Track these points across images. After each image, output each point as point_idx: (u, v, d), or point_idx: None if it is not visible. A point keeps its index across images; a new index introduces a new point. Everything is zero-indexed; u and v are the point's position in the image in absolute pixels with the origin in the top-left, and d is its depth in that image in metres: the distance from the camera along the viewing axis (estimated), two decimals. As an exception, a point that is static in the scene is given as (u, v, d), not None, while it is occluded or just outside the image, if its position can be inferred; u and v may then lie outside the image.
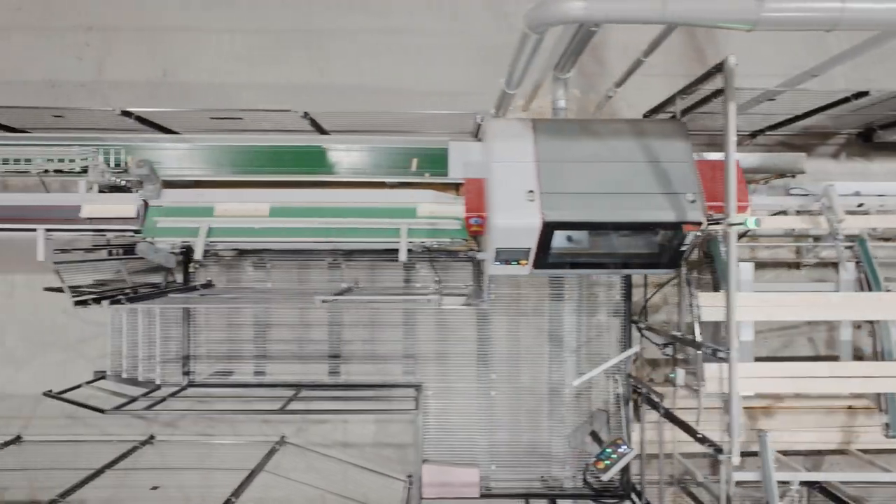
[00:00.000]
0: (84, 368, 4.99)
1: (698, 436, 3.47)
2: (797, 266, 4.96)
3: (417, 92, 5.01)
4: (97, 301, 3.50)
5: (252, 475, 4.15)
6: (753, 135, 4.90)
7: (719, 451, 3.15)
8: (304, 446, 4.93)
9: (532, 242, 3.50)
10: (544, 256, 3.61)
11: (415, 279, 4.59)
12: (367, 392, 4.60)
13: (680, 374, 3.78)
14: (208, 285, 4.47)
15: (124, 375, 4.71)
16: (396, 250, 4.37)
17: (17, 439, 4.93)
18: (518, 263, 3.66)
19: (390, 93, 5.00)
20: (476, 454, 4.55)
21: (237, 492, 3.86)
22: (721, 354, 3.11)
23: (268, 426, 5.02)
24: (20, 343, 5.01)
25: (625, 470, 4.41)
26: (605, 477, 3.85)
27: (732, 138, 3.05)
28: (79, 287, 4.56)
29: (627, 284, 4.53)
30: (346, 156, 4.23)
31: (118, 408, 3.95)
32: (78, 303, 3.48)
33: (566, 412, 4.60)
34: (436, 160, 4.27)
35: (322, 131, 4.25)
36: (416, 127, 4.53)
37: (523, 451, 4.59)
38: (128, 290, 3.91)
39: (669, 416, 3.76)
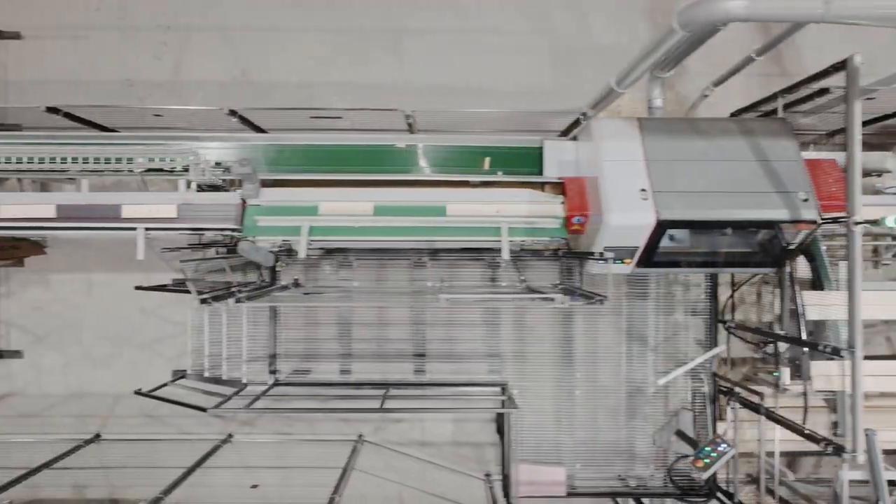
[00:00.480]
0: (161, 367, 5.01)
1: (807, 433, 3.47)
2: (875, 264, 4.95)
3: (496, 91, 5.01)
4: (219, 299, 3.48)
5: (345, 474, 4.17)
6: (831, 134, 4.90)
7: (840, 450, 3.15)
8: (382, 445, 4.95)
9: (641, 241, 3.51)
10: (650, 255, 3.61)
11: (499, 278, 4.60)
12: (448, 391, 4.60)
13: (785, 374, 3.78)
14: (297, 284, 4.48)
15: (206, 374, 4.72)
16: (483, 249, 4.42)
17: (96, 438, 4.95)
18: (623, 262, 3.67)
19: (468, 92, 5.01)
20: (561, 453, 4.56)
21: (338, 489, 3.87)
22: (843, 353, 3.11)
23: (346, 425, 5.03)
24: (97, 342, 5.02)
25: (709, 469, 4.41)
26: (705, 475, 3.84)
27: (858, 137, 3.04)
28: (164, 286, 4.60)
29: (713, 283, 4.54)
30: (434, 155, 4.26)
31: (217, 406, 3.95)
32: (203, 301, 3.47)
33: (649, 411, 4.60)
34: (525, 159, 4.31)
35: (412, 130, 4.26)
36: (493, 126, 4.55)
37: (607, 449, 4.59)
38: (233, 289, 3.91)
39: (771, 416, 3.76)
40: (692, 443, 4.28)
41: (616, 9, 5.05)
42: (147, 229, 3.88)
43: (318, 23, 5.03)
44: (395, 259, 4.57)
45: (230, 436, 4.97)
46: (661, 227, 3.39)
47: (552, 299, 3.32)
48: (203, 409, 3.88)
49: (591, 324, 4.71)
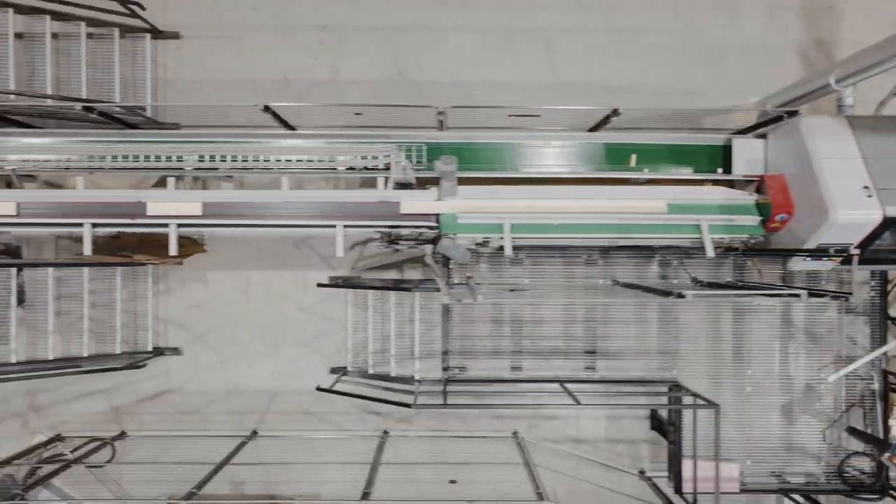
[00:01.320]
0: (317, 364, 5.05)
1: None
2: None
3: (644, 90, 5.02)
4: (461, 296, 3.47)
5: (531, 470, 4.20)
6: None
7: None
8: (536, 441, 4.98)
9: (857, 238, 3.54)
10: (860, 252, 3.63)
11: (670, 276, 4.63)
12: (617, 387, 4.63)
13: None
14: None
15: (370, 371, 4.76)
16: (655, 248, 4.45)
17: (254, 434, 4.99)
18: (830, 259, 3.69)
19: (617, 90, 5.02)
20: (731, 449, 4.57)
21: (538, 485, 3.91)
22: None
23: (499, 421, 5.07)
24: (254, 339, 5.05)
25: (880, 468, 4.43)
26: (903, 471, 3.87)
27: None
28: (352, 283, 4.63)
29: (883, 281, 4.55)
30: (613, 152, 4.32)
31: (415, 402, 3.98)
32: (450, 297, 3.49)
33: (818, 408, 4.62)
34: (698, 156, 4.35)
35: (594, 129, 4.29)
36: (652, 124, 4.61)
37: (775, 446, 4.61)
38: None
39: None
40: (871, 439, 4.30)
41: (768, 8, 5.06)
42: (346, 226, 3.93)
43: (470, 22, 5.05)
44: (565, 257, 4.59)
45: (386, 432, 5.00)
46: (886, 223, 3.41)
47: (797, 296, 3.34)
48: (408, 406, 3.92)
49: (752, 321, 4.72)
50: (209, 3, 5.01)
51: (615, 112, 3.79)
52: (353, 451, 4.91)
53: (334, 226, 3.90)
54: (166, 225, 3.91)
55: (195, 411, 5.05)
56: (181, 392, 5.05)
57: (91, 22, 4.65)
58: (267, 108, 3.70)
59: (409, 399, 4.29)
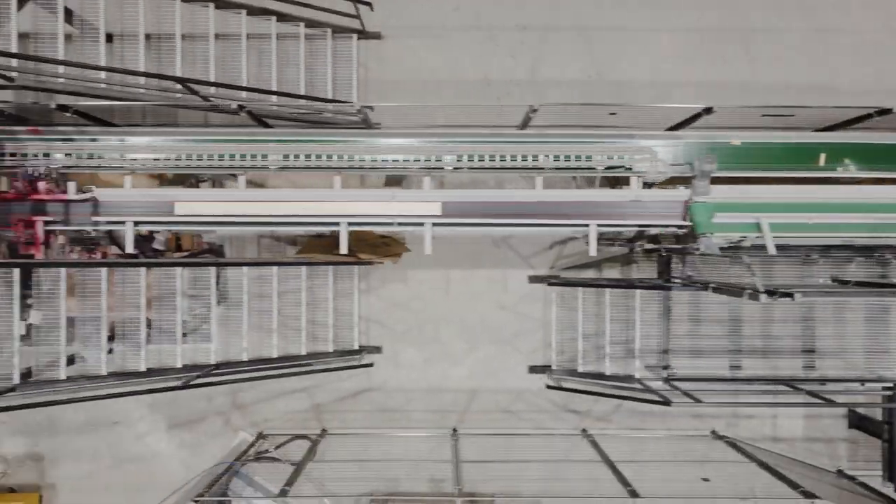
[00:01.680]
0: (517, 363, 5.09)
1: None
2: None
3: (843, 91, 5.05)
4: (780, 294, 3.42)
5: (769, 469, 4.23)
6: None
7: None
8: (735, 439, 5.00)
9: None
10: None
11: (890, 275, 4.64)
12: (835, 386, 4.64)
13: None
14: (691, 278, 4.53)
15: (580, 369, 4.78)
16: (875, 247, 4.46)
17: (454, 433, 5.01)
18: None
19: (817, 91, 5.04)
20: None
21: (795, 484, 3.93)
22: None
23: (698, 420, 5.09)
24: (454, 338, 5.09)
25: None
26: None
27: None
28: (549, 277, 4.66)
29: None
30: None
31: (664, 400, 4.01)
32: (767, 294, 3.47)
33: None
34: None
35: (827, 129, 4.31)
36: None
37: None
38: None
39: None
40: None
41: (972, 7, 5.08)
42: (599, 226, 3.96)
43: (667, 23, 5.07)
44: (783, 256, 4.60)
45: (584, 430, 5.02)
46: None
47: None
48: (667, 403, 3.94)
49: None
50: (411, 4, 5.04)
51: (885, 111, 3.80)
52: (551, 448, 4.94)
53: (587, 225, 3.94)
54: (422, 224, 3.96)
55: (395, 409, 5.08)
56: (381, 390, 5.08)
57: (308, 23, 4.68)
58: (534, 110, 3.72)
59: (645, 397, 4.34)
